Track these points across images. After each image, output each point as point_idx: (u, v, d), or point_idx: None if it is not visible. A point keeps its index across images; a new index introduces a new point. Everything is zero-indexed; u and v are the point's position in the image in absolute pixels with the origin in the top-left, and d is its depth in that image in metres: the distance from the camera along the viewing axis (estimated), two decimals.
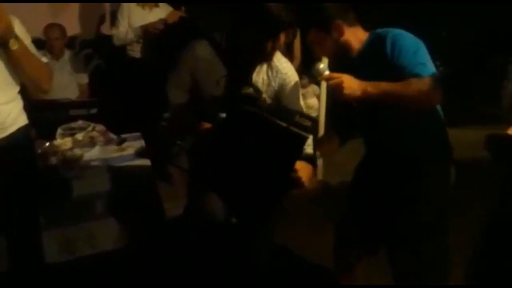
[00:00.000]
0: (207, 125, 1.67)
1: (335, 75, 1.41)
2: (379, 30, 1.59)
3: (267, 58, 1.68)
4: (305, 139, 1.46)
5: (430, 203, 1.59)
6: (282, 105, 1.73)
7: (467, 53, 4.89)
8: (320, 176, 3.71)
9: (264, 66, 1.74)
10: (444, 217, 1.60)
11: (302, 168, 1.60)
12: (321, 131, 3.48)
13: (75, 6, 3.70)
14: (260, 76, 1.74)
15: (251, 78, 1.71)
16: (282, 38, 1.62)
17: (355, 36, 1.60)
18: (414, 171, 1.59)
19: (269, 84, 1.75)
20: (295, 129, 1.44)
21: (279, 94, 1.77)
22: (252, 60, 1.69)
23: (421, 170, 1.58)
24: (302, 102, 1.86)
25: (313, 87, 4.21)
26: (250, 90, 1.69)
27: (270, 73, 1.75)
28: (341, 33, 1.57)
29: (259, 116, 1.47)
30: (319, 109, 3.59)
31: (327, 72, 1.48)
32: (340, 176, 1.99)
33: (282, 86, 1.76)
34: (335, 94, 1.42)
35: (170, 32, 3.20)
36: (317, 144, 1.71)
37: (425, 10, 4.53)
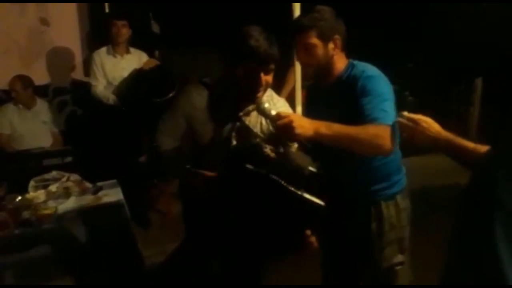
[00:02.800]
0: (209, 174, 1.52)
1: (283, 114, 1.35)
2: (357, 64, 1.60)
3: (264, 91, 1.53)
4: (321, 208, 1.30)
5: (388, 236, 1.67)
6: (289, 159, 1.50)
7: (432, 82, 5.11)
8: None
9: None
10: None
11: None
12: None
13: (47, 55, 3.70)
14: (258, 121, 1.59)
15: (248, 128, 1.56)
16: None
17: (339, 61, 1.61)
18: (368, 210, 1.66)
19: (268, 128, 1.60)
20: (309, 197, 1.29)
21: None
22: (246, 99, 1.53)
23: (375, 209, 1.65)
24: None
25: None
26: (257, 141, 1.55)
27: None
28: (336, 50, 1.57)
29: (269, 179, 1.32)
30: None
31: (273, 112, 1.38)
32: None
33: None
34: (285, 135, 1.35)
35: (146, 81, 3.24)
36: None
37: (392, 45, 4.75)
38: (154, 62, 3.38)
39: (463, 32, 4.58)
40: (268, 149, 1.45)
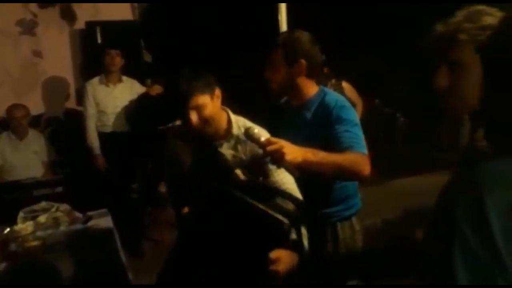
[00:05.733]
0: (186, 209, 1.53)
1: (274, 140, 1.32)
2: (328, 92, 1.66)
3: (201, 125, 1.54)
4: (286, 226, 1.25)
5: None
6: (260, 183, 1.49)
7: (424, 103, 5.16)
8: None
9: (232, 140, 1.58)
10: None
11: (282, 259, 1.29)
12: None
13: (40, 86, 3.74)
14: (228, 152, 1.57)
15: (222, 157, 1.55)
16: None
17: (307, 86, 1.64)
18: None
19: (240, 159, 1.55)
20: (274, 214, 1.24)
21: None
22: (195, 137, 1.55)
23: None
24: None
25: None
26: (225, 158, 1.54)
27: (239, 146, 1.57)
28: (299, 74, 1.59)
29: (233, 195, 1.29)
30: None
31: (263, 138, 1.34)
32: None
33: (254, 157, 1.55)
34: (274, 160, 1.31)
35: (150, 107, 3.25)
36: None
37: (382, 66, 4.82)
38: (160, 89, 3.40)
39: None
40: (239, 172, 1.43)
